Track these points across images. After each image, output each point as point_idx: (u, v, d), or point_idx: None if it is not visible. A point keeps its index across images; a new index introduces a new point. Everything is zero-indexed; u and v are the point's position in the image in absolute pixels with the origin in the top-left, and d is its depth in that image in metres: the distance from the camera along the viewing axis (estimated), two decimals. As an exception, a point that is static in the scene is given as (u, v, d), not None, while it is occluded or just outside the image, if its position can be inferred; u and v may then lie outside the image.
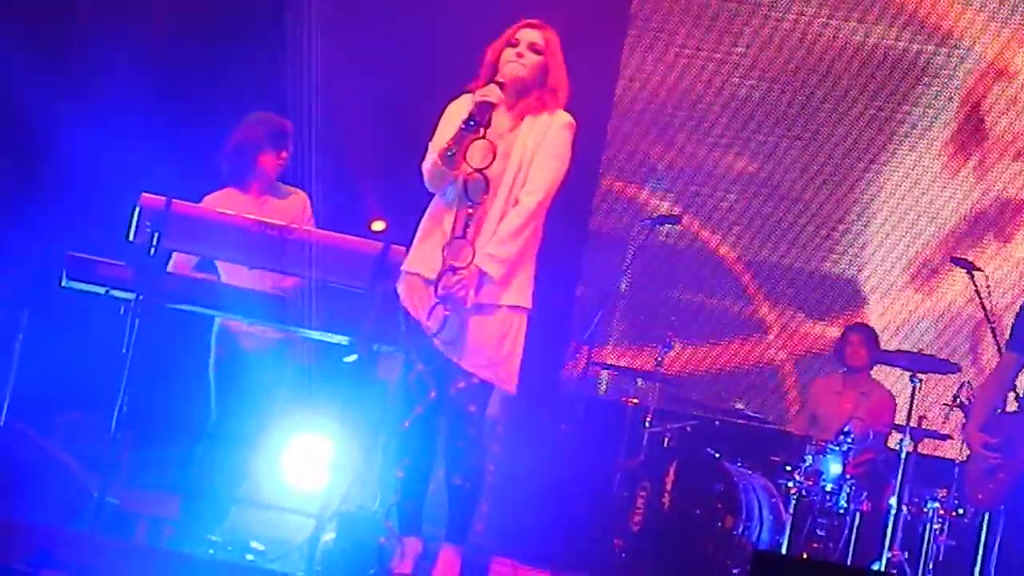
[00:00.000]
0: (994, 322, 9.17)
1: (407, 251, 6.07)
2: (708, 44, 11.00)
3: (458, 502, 6.00)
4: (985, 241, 10.65)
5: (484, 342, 5.87)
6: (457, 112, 5.95)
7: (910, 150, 10.76)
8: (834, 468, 8.96)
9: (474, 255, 5.81)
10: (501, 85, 5.87)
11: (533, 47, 5.98)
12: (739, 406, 9.77)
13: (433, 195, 6.01)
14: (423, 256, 5.93)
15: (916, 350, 9.72)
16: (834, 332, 10.45)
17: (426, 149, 5.97)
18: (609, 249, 10.85)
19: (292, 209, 7.30)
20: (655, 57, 11.06)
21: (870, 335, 9.87)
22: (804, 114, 10.90)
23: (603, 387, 10.73)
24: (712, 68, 10.99)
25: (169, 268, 7.00)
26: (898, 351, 9.80)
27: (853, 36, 10.84)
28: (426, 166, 5.94)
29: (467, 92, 5.99)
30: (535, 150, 5.92)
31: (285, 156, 7.40)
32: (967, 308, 10.39)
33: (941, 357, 9.62)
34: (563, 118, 6.01)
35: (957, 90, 10.71)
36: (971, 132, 10.71)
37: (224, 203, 7.16)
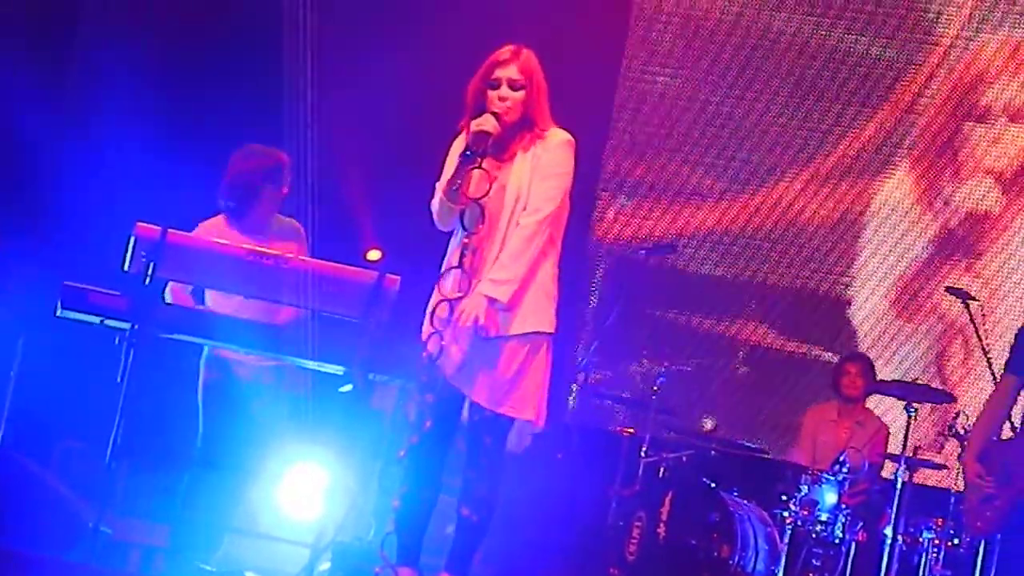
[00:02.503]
0: (989, 351, 9.18)
1: (400, 281, 6.06)
2: (703, 63, 11.02)
3: (463, 534, 5.96)
4: (955, 259, 10.71)
5: (498, 374, 5.82)
6: (457, 150, 5.94)
7: (894, 168, 10.82)
8: (830, 498, 8.95)
9: (471, 284, 5.80)
10: (496, 115, 5.87)
11: (513, 84, 5.91)
12: (708, 426, 9.75)
13: (430, 228, 6.00)
14: (435, 292, 5.93)
15: (910, 379, 9.72)
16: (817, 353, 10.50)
17: (422, 182, 5.98)
18: (608, 273, 10.86)
19: (286, 239, 7.30)
20: (651, 76, 11.09)
21: (867, 365, 9.87)
22: (801, 131, 10.94)
23: (598, 416, 10.72)
24: (707, 87, 11.01)
25: (168, 297, 7.00)
26: (893, 381, 9.80)
27: (848, 48, 10.91)
28: (434, 205, 5.94)
29: (462, 131, 5.98)
30: (532, 173, 5.90)
31: (285, 192, 7.40)
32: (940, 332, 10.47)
33: (934, 386, 9.63)
34: (559, 136, 5.96)
35: (931, 100, 10.78)
36: (940, 149, 10.79)
37: (219, 232, 7.16)
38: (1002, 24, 10.72)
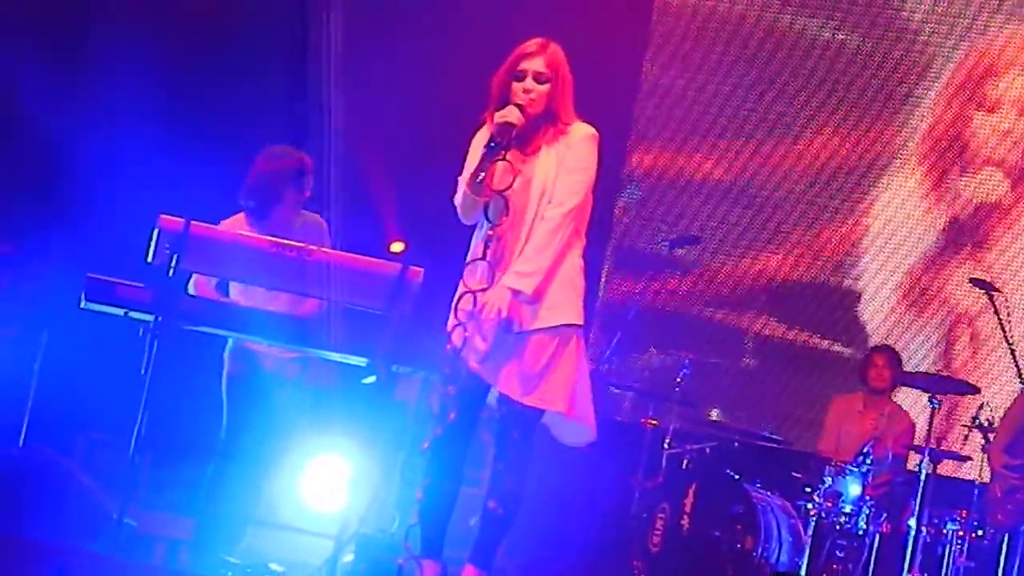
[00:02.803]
0: (1013, 342, 9.15)
1: (423, 273, 6.06)
2: (726, 60, 11.01)
3: (489, 526, 5.95)
4: (964, 251, 10.73)
5: (527, 367, 5.80)
6: (479, 143, 5.92)
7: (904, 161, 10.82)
8: (854, 489, 8.94)
9: (494, 276, 5.79)
10: (520, 107, 5.86)
11: (538, 77, 5.90)
12: (714, 417, 9.74)
13: (453, 220, 6.00)
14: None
15: (935, 371, 9.71)
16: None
17: (444, 174, 5.97)
18: (628, 267, 10.87)
19: (309, 234, 7.31)
20: (674, 73, 11.09)
21: (894, 357, 9.86)
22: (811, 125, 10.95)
23: (624, 407, 10.72)
24: (729, 84, 11.01)
25: (191, 289, 7.02)
26: (918, 372, 9.78)
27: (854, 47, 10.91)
28: (457, 199, 5.92)
29: (485, 123, 5.98)
30: (558, 167, 5.89)
31: (307, 195, 7.40)
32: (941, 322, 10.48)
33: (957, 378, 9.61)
34: (583, 130, 5.95)
35: (943, 92, 10.78)
36: (950, 142, 10.80)
37: (240, 228, 7.18)
38: (1012, 17, 10.71)
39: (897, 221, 10.83)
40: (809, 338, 10.83)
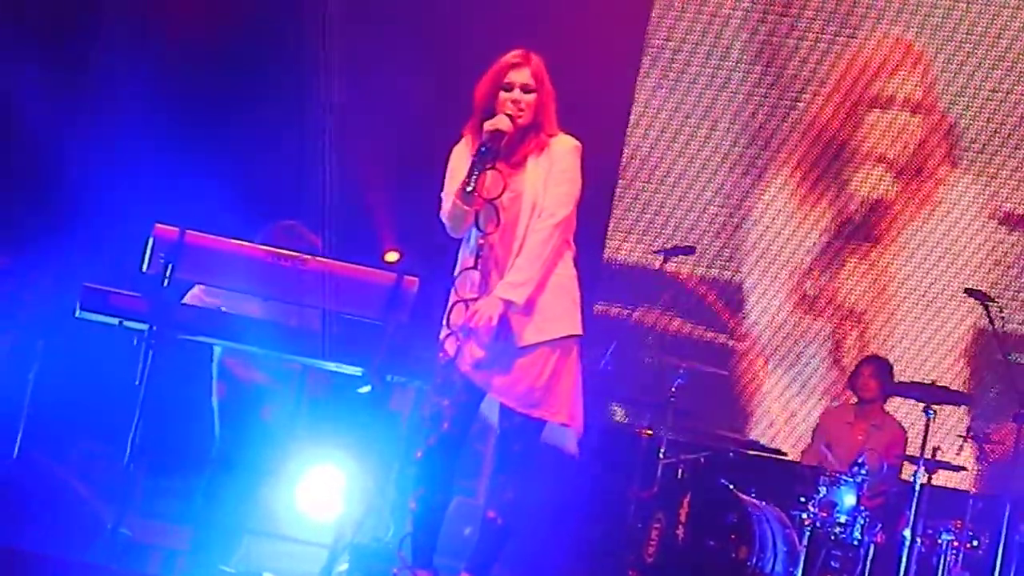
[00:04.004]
0: (1010, 352, 9.16)
1: (419, 283, 6.07)
2: (722, 70, 11.03)
3: (488, 536, 5.99)
4: (851, 246, 10.85)
5: (532, 380, 5.84)
6: (460, 156, 5.95)
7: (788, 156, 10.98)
8: (848, 500, 8.93)
9: (486, 286, 5.81)
10: (510, 117, 5.88)
11: (525, 88, 5.93)
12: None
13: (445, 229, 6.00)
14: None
15: (929, 381, 9.72)
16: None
17: (438, 185, 5.97)
18: (622, 277, 10.87)
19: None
20: (670, 83, 11.10)
21: (882, 367, 9.85)
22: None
23: (617, 417, 10.72)
24: (725, 93, 11.03)
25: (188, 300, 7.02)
26: (912, 383, 9.78)
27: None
28: (445, 211, 5.92)
29: (463, 136, 5.99)
30: (546, 179, 5.92)
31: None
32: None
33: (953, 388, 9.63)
34: (567, 142, 5.98)
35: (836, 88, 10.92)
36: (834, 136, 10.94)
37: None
38: (899, 17, 10.84)
39: (782, 220, 10.90)
40: (704, 332, 10.88)
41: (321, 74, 9.43)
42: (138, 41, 9.66)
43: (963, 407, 9.85)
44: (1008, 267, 10.56)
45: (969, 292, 9.46)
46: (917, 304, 10.60)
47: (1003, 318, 9.31)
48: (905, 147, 10.78)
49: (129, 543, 6.78)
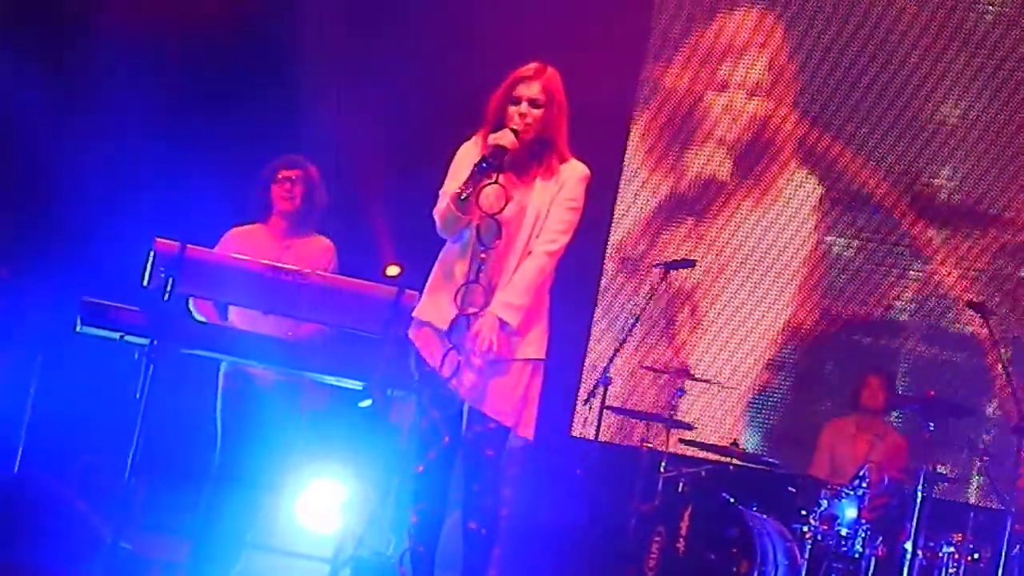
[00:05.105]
0: (1009, 366, 9.14)
1: (420, 296, 6.06)
2: (724, 71, 11.03)
3: (473, 547, 5.97)
4: (678, 219, 10.94)
5: (502, 392, 5.87)
6: (466, 156, 5.95)
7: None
8: (849, 512, 8.93)
9: (488, 301, 5.82)
10: (515, 132, 5.87)
11: (534, 102, 5.93)
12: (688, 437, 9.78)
13: (445, 242, 6.01)
14: (435, 306, 5.92)
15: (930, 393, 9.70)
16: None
17: (437, 195, 5.97)
18: (623, 292, 10.87)
19: (314, 253, 7.34)
20: (675, 91, 11.12)
21: (888, 379, 9.85)
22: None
23: (617, 431, 10.71)
24: (728, 96, 11.04)
25: (192, 309, 7.04)
26: (913, 395, 9.77)
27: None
28: (439, 210, 5.92)
29: (473, 136, 6.00)
30: (551, 201, 5.92)
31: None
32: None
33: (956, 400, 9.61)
34: (579, 170, 5.99)
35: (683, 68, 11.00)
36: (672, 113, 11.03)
37: (247, 239, 7.24)
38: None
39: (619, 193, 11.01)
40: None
41: (321, 88, 9.46)
42: (139, 55, 9.66)
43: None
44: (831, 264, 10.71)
45: (970, 305, 9.43)
46: (744, 281, 10.74)
47: (1004, 329, 9.29)
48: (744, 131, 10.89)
49: (129, 557, 6.78)
